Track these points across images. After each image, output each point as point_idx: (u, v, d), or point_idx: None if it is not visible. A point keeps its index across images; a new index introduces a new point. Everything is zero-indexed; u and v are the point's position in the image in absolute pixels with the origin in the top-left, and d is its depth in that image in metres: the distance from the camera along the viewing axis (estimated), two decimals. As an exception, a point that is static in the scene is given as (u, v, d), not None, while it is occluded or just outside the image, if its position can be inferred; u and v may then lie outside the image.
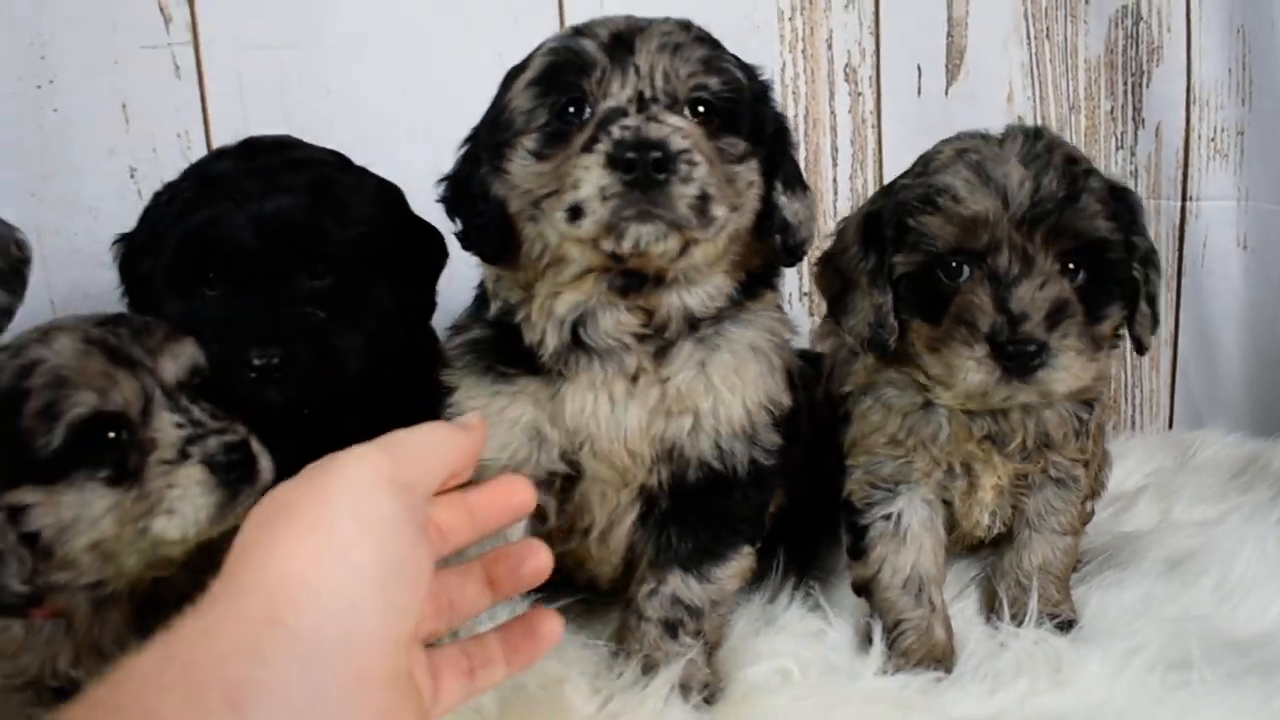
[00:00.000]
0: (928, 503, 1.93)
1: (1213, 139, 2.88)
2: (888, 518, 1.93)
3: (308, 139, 2.02)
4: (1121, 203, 1.77)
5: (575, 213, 1.56)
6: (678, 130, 1.57)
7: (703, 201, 1.56)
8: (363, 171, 1.97)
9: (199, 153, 2.56)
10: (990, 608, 2.03)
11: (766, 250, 1.76)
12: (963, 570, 2.15)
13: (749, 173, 1.69)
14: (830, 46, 2.83)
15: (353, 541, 1.10)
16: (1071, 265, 1.73)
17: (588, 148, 1.57)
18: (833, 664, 1.85)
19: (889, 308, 1.82)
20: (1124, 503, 2.44)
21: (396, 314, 1.92)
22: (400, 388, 1.88)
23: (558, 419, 1.75)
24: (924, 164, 1.84)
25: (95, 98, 2.57)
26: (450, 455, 1.27)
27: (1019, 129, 1.79)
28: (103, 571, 1.57)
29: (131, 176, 2.59)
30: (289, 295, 1.81)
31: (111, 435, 1.52)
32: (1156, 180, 2.94)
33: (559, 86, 1.67)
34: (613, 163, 1.54)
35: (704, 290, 1.72)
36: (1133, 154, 2.96)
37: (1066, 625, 1.94)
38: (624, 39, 1.65)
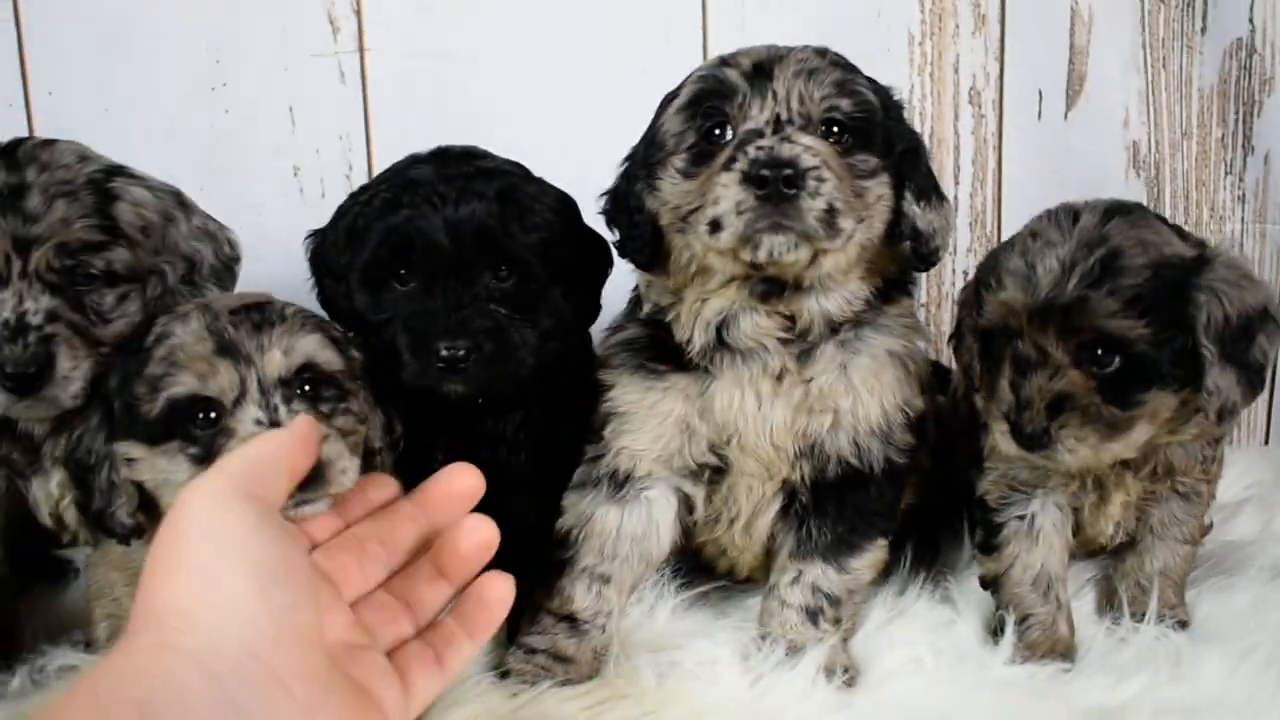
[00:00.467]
0: (1059, 506, 2.04)
1: (1323, 165, 2.98)
2: (1022, 518, 2.04)
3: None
4: (1173, 294, 1.80)
5: (715, 226, 1.71)
6: (808, 149, 1.70)
7: (830, 214, 1.69)
8: (542, 182, 2.09)
9: (359, 154, 2.74)
10: (1110, 606, 2.14)
11: (900, 257, 1.89)
12: (1080, 571, 2.25)
13: (879, 186, 1.80)
14: (956, 70, 2.94)
15: (214, 561, 1.22)
16: (1103, 354, 1.80)
17: (727, 166, 1.72)
18: (963, 653, 1.96)
19: (976, 354, 1.97)
20: (1227, 513, 2.52)
21: (569, 315, 2.05)
22: (563, 384, 2.03)
23: (706, 414, 1.89)
24: (1015, 235, 1.95)
25: (265, 101, 2.75)
26: (283, 455, 1.38)
27: (1103, 208, 1.87)
28: None
29: (295, 175, 2.77)
30: (475, 293, 1.93)
31: (203, 417, 1.65)
32: (1263, 205, 3.03)
33: (704, 111, 1.82)
34: (747, 179, 1.68)
35: (841, 295, 1.86)
36: (1241, 180, 3.04)
37: (1180, 626, 2.05)
38: (764, 67, 1.79)
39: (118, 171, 1.98)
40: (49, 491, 2.04)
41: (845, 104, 1.79)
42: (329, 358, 1.74)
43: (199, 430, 1.66)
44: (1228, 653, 1.89)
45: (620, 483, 1.97)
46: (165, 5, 2.71)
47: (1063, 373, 1.80)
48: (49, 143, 1.94)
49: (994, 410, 1.88)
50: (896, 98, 1.93)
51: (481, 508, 2.06)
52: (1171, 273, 1.80)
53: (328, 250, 2.09)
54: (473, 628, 1.49)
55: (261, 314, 1.72)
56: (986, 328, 1.90)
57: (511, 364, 1.95)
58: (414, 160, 2.05)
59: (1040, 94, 2.98)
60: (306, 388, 1.71)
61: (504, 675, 1.93)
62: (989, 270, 1.90)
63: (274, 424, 1.62)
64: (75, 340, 1.85)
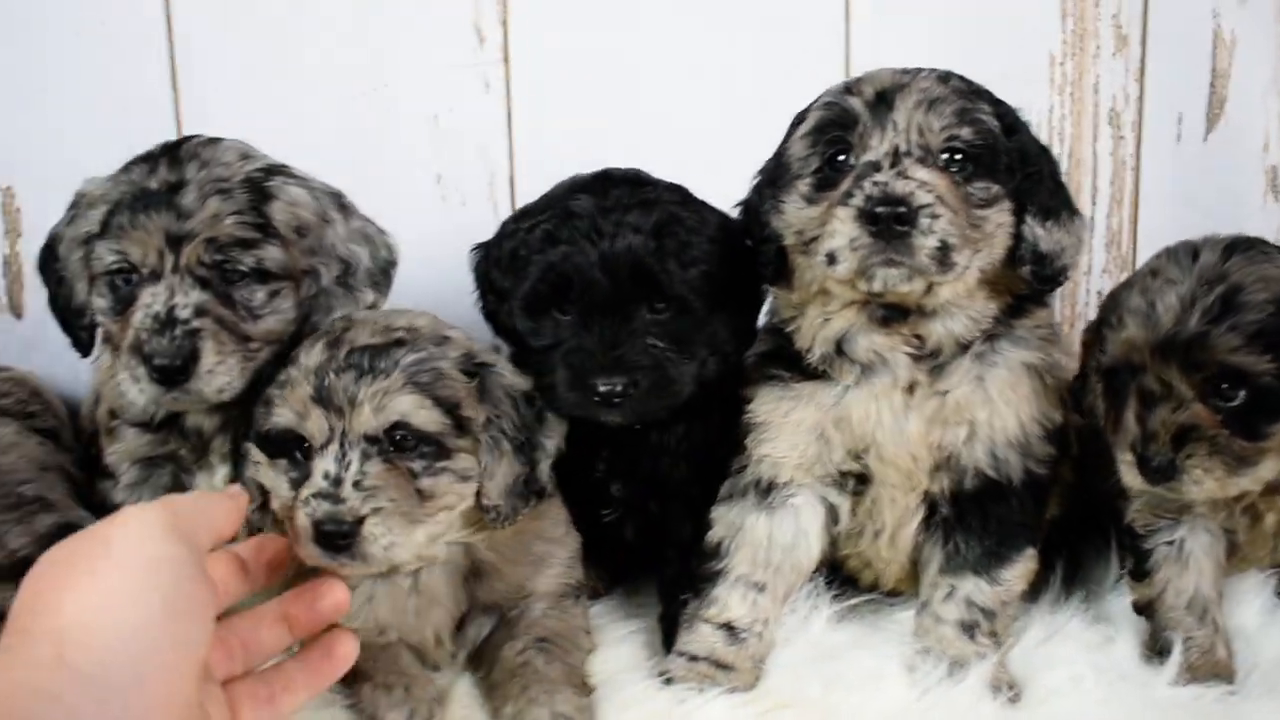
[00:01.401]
0: (1209, 531, 2.04)
1: None
2: (1170, 543, 2.04)
3: (595, 157, 2.20)
4: None
5: (831, 258, 1.78)
6: (922, 185, 1.76)
7: (943, 250, 1.75)
8: (703, 207, 2.12)
9: (501, 165, 2.79)
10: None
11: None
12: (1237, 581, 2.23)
13: (998, 214, 1.85)
14: (1096, 91, 2.95)
15: (137, 582, 1.23)
16: (1228, 388, 1.81)
17: (844, 200, 1.78)
18: (1124, 672, 1.97)
19: (1099, 393, 1.98)
20: None
21: (727, 342, 2.08)
22: (723, 399, 2.07)
23: (843, 423, 1.94)
24: (1135, 274, 1.99)
25: (414, 106, 2.81)
26: (219, 515, 1.44)
27: (1224, 244, 1.89)
28: None
29: (437, 183, 2.83)
30: (633, 328, 1.98)
31: (300, 449, 1.76)
32: None
33: (828, 139, 1.87)
34: (861, 216, 1.75)
35: (967, 315, 1.90)
36: None
37: None
38: (886, 96, 1.84)
39: (278, 171, 2.05)
40: (212, 485, 2.11)
41: (965, 133, 1.83)
42: (426, 419, 1.76)
43: (298, 458, 1.77)
44: None
45: (765, 490, 2.01)
46: (316, 14, 2.78)
47: (1187, 406, 1.81)
48: (213, 141, 2.02)
49: (1120, 444, 1.89)
50: (1024, 118, 1.96)
51: (640, 517, 2.12)
52: None
53: (491, 268, 2.15)
54: (313, 676, 1.56)
55: (374, 360, 1.76)
56: (1110, 366, 1.91)
57: (668, 396, 2.01)
58: (575, 187, 2.10)
59: (1180, 116, 2.99)
60: (398, 443, 1.75)
61: (668, 682, 1.96)
62: (1110, 310, 1.93)
63: (337, 481, 1.69)
64: (222, 335, 1.92)
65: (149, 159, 2.00)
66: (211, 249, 1.91)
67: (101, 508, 2.08)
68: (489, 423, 1.82)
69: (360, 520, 1.68)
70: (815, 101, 1.95)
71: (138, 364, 1.89)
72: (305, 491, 1.71)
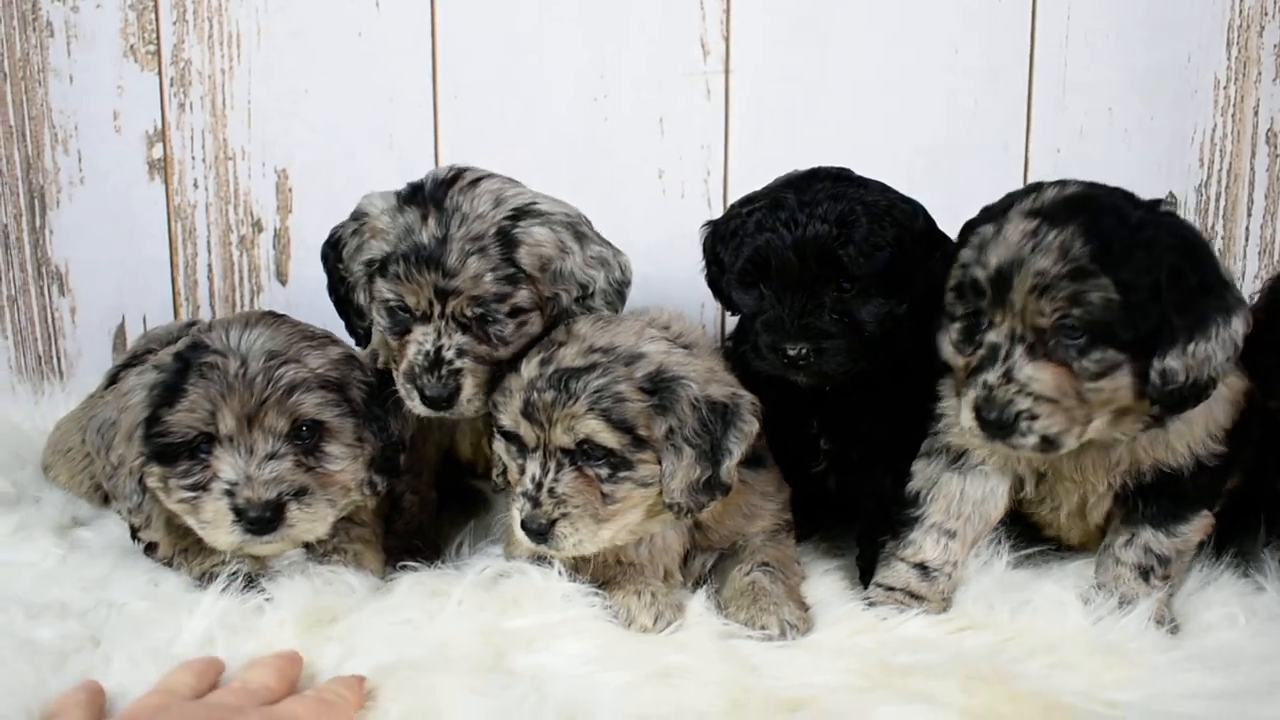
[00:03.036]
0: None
1: None
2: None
3: (801, 163, 2.48)
4: None
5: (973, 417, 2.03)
6: (1023, 390, 1.96)
7: (1046, 442, 1.98)
8: (894, 202, 2.38)
9: (717, 163, 3.10)
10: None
11: None
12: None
13: (1115, 379, 1.97)
14: (1256, 113, 3.17)
15: None
16: None
17: (968, 381, 2.03)
18: (1273, 614, 2.21)
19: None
20: None
21: (902, 319, 2.36)
22: (918, 365, 2.33)
23: None
24: None
25: (639, 111, 3.14)
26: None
27: None
28: None
29: (659, 178, 3.14)
30: (820, 303, 2.31)
31: (518, 445, 2.16)
32: None
33: (965, 303, 2.06)
34: (974, 411, 2.00)
35: (1118, 427, 2.08)
36: None
37: None
38: (1004, 275, 1.96)
39: (524, 214, 2.28)
40: (475, 428, 2.47)
41: (1078, 312, 1.92)
42: (607, 438, 2.06)
43: (520, 450, 2.17)
44: None
45: (958, 455, 2.27)
46: (560, 24, 3.11)
47: None
48: (473, 185, 2.27)
49: None
50: (1173, 261, 1.94)
51: (844, 470, 2.40)
52: None
53: (716, 243, 2.49)
54: None
55: (568, 383, 2.07)
56: None
57: (847, 362, 2.33)
58: (787, 181, 2.43)
59: None
60: (586, 453, 2.08)
61: (870, 605, 2.25)
62: None
63: (539, 485, 2.08)
64: (479, 369, 2.23)
65: (419, 201, 2.24)
66: (474, 304, 2.21)
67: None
68: (670, 433, 2.08)
69: (553, 522, 2.07)
70: (961, 246, 2.09)
71: (412, 389, 2.22)
72: (518, 488, 2.12)
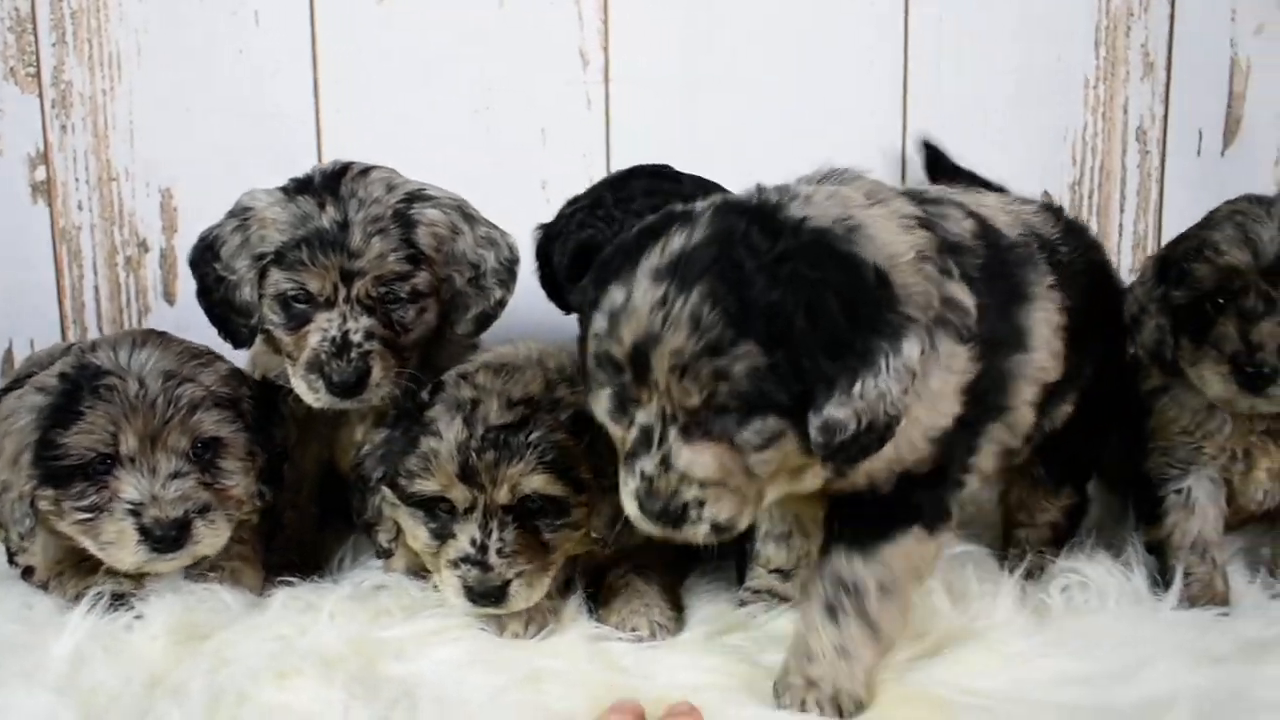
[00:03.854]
0: (1212, 480, 2.36)
1: None
2: (1179, 492, 2.35)
3: (681, 164, 2.55)
4: None
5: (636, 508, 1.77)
6: (685, 479, 1.67)
7: (717, 529, 1.70)
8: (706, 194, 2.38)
9: (598, 171, 3.11)
10: (1272, 574, 2.44)
11: None
12: (1230, 540, 2.53)
13: (782, 448, 1.68)
14: (1126, 111, 3.25)
15: None
16: None
17: (626, 462, 1.75)
18: (1140, 596, 2.27)
19: (1168, 329, 2.28)
20: None
21: None
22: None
23: None
24: (1205, 220, 2.30)
25: (522, 123, 3.16)
26: None
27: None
28: None
29: (542, 188, 3.15)
30: None
31: (443, 508, 2.10)
32: None
33: (607, 371, 1.74)
34: (638, 502, 1.72)
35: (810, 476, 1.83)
36: None
37: None
38: (642, 352, 1.66)
39: (416, 197, 2.35)
40: (353, 440, 2.43)
41: (725, 388, 1.62)
42: (554, 489, 2.06)
43: (441, 515, 2.11)
44: None
45: None
46: (441, 38, 3.13)
47: None
48: (363, 173, 2.33)
49: (1208, 361, 2.20)
50: (811, 299, 1.63)
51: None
52: None
53: (549, 244, 2.56)
54: None
55: (507, 439, 2.04)
56: (1192, 299, 2.23)
57: None
58: (608, 181, 2.52)
59: (1200, 134, 3.29)
60: (530, 508, 2.07)
61: (740, 604, 2.28)
62: (1189, 253, 2.24)
63: (483, 548, 2.04)
64: (386, 353, 2.27)
65: (311, 190, 2.29)
66: (378, 284, 2.26)
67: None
68: (596, 471, 2.07)
69: (507, 583, 2.04)
70: (587, 319, 1.78)
71: (316, 378, 2.24)
72: (453, 554, 2.06)
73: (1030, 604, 2.24)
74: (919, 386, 1.71)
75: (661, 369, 1.64)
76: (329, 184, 2.29)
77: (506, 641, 2.10)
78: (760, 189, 1.83)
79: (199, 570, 2.25)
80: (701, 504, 1.67)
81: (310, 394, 2.26)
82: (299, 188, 2.31)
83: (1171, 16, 3.22)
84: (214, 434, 2.16)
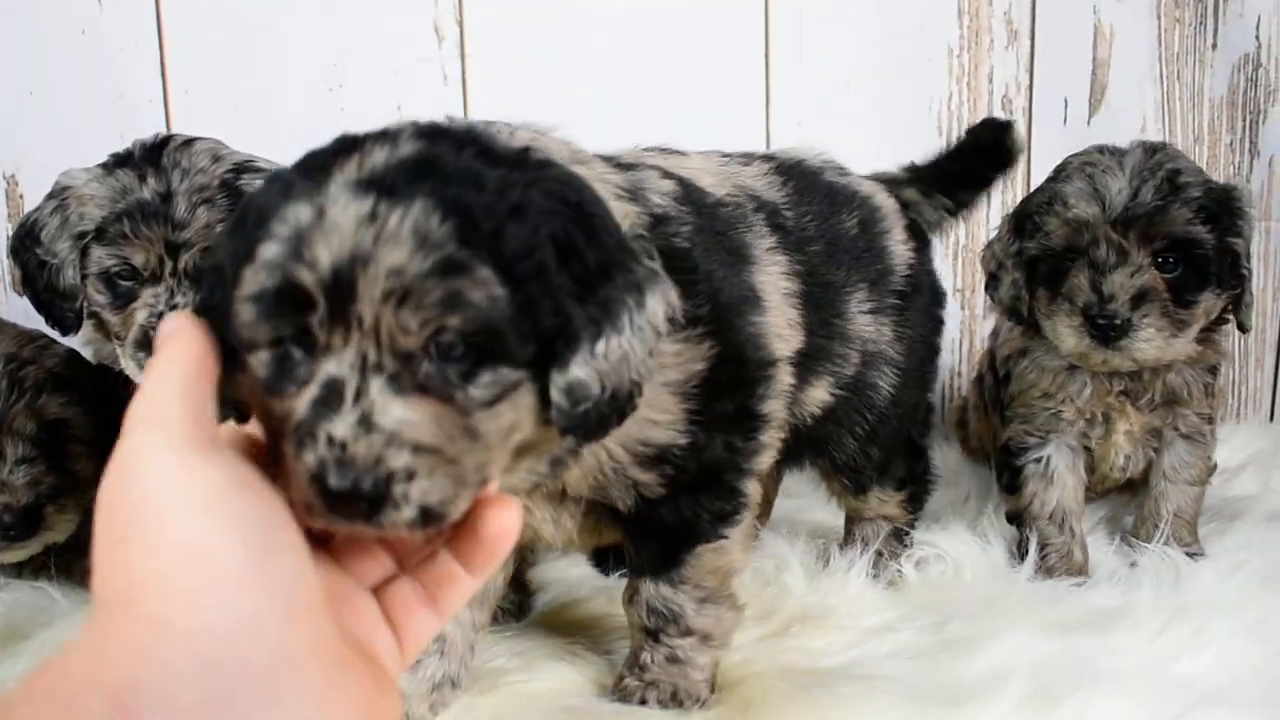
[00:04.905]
0: (1071, 449, 2.36)
1: (1318, 171, 3.29)
2: (1039, 460, 2.36)
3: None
4: (1223, 209, 2.18)
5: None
6: (394, 441, 1.16)
7: (426, 515, 1.19)
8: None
9: (458, 150, 3.06)
10: (1122, 539, 2.47)
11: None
12: (1091, 511, 2.58)
13: (515, 408, 1.26)
14: (990, 80, 3.25)
15: (203, 526, 0.98)
16: (1169, 259, 2.16)
17: (296, 435, 1.20)
18: (996, 568, 2.29)
19: (1023, 283, 2.29)
20: (1230, 475, 2.85)
21: None
22: None
23: None
24: (1056, 172, 2.30)
25: (376, 100, 3.07)
26: (189, 372, 1.12)
27: (1140, 145, 2.24)
28: None
29: None
30: None
31: None
32: (1268, 204, 3.35)
33: (279, 312, 1.21)
34: (316, 480, 1.19)
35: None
36: (1248, 181, 3.35)
37: (1196, 557, 2.33)
38: (342, 278, 1.17)
39: (245, 168, 2.27)
40: None
41: (456, 322, 1.20)
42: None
43: None
44: (1220, 567, 2.21)
45: None
46: (291, 13, 3.06)
47: (1144, 271, 2.15)
48: (187, 144, 2.25)
49: (1061, 314, 2.20)
50: (556, 231, 1.27)
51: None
52: (1219, 193, 2.20)
53: None
54: (470, 563, 1.24)
55: None
56: (1045, 252, 2.24)
57: None
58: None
59: (1066, 102, 3.29)
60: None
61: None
62: (1041, 206, 2.25)
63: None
64: None
65: (132, 164, 2.22)
66: (203, 255, 2.18)
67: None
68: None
69: None
70: (262, 237, 1.21)
71: (145, 356, 2.14)
72: None
73: (884, 579, 2.25)
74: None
75: (372, 297, 1.18)
76: (150, 156, 2.21)
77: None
78: (451, 119, 1.46)
79: (33, 568, 2.24)
80: (411, 476, 1.17)
81: (140, 374, 2.17)
82: (119, 162, 2.24)
83: (1034, -16, 3.24)
84: (60, 416, 2.17)
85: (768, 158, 2.13)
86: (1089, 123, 3.31)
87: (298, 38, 3.08)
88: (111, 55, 3.04)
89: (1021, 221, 2.31)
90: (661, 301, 1.35)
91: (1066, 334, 2.20)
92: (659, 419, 1.61)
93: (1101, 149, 2.26)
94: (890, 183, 2.32)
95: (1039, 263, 2.26)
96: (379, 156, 1.25)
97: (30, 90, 3.04)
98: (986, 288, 2.41)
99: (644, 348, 1.32)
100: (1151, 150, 2.22)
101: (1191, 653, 1.88)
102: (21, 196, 3.08)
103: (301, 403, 1.19)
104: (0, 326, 2.25)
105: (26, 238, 2.29)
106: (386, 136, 1.30)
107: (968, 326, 3.35)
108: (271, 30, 3.06)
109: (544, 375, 1.26)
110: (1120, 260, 2.15)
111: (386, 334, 1.19)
